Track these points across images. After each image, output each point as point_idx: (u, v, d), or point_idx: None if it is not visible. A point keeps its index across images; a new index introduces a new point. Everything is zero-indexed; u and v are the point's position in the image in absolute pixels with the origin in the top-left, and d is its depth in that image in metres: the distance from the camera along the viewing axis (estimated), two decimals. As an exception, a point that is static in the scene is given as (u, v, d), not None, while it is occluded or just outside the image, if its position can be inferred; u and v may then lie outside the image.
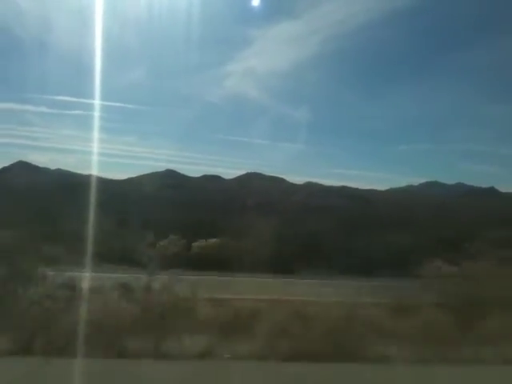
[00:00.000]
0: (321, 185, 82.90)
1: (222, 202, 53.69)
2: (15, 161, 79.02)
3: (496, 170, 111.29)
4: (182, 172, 75.12)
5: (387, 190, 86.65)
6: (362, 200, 65.87)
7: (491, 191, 75.36)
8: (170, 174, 71.54)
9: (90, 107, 68.36)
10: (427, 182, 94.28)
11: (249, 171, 77.60)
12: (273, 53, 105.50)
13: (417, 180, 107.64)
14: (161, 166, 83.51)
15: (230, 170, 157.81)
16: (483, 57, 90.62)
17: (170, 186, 64.44)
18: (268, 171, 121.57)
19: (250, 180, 72.26)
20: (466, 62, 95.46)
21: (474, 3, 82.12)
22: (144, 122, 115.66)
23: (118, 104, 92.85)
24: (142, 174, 71.55)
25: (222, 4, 72.78)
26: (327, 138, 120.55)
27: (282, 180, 75.88)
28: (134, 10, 45.44)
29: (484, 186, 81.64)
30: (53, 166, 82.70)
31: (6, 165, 78.63)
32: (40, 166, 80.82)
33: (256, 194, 58.50)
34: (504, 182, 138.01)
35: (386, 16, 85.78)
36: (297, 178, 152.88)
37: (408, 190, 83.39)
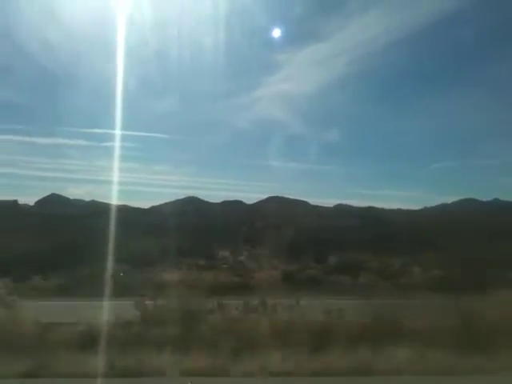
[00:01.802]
0: (347, 205, 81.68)
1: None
2: (49, 193, 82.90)
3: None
4: (203, 198, 75.74)
5: (421, 210, 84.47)
6: (376, 220, 63.75)
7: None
8: (191, 201, 72.18)
9: (123, 138, 70.73)
10: (461, 200, 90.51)
11: (271, 195, 77.19)
12: (300, 76, 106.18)
13: (450, 198, 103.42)
14: (184, 193, 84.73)
15: (252, 194, 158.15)
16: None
17: (190, 212, 64.96)
18: (293, 194, 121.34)
19: (271, 204, 71.70)
20: (497, 75, 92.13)
21: (503, 15, 79.53)
22: (174, 151, 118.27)
23: (149, 134, 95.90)
24: (164, 202, 72.61)
25: (248, 30, 74.42)
26: (356, 158, 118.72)
27: (305, 203, 74.92)
28: (161, 40, 47.06)
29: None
30: (87, 198, 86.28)
31: (40, 198, 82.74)
32: (71, 197, 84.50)
33: (273, 217, 57.86)
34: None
35: (412, 34, 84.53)
36: (324, 201, 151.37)
37: (438, 209, 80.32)
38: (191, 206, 69.83)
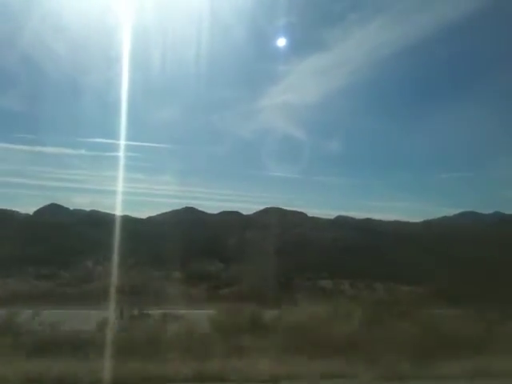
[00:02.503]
0: (345, 217, 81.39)
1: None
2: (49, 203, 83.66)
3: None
4: (200, 208, 75.92)
5: (421, 222, 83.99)
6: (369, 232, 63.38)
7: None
8: (188, 211, 72.39)
9: (126, 148, 71.38)
10: (462, 213, 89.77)
11: (268, 206, 77.14)
12: (303, 86, 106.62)
13: (453, 211, 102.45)
14: (182, 204, 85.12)
15: (251, 205, 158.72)
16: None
17: (186, 222, 65.11)
18: (292, 205, 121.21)
19: (269, 215, 71.61)
20: (506, 88, 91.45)
21: (509, 30, 79.35)
22: (176, 161, 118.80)
23: (154, 144, 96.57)
24: (161, 212, 72.99)
25: (251, 40, 75.24)
26: (358, 169, 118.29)
27: (303, 214, 74.75)
28: (165, 50, 47.78)
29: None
30: (89, 208, 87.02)
31: (39, 207, 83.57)
32: (71, 207, 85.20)
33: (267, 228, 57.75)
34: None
35: (415, 44, 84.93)
36: (324, 212, 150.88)
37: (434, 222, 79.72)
38: (188, 217, 70.06)
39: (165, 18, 45.82)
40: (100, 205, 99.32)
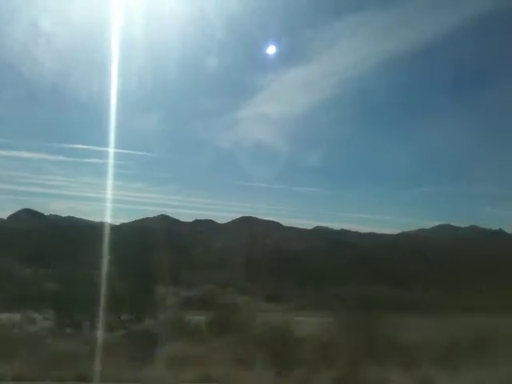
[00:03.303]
0: (322, 227, 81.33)
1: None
2: (21, 208, 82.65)
3: (506, 212, 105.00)
4: (174, 216, 75.47)
5: (397, 234, 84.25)
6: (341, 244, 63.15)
7: (500, 233, 70.96)
8: (162, 219, 71.79)
9: (104, 155, 70.84)
10: (439, 226, 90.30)
11: (244, 215, 76.86)
12: (286, 97, 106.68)
13: (429, 223, 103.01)
14: (156, 212, 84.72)
15: (227, 213, 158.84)
16: (500, 100, 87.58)
17: (157, 230, 64.39)
18: (268, 215, 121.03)
19: (243, 224, 71.24)
20: (484, 105, 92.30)
21: (493, 48, 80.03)
22: (155, 169, 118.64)
23: (130, 151, 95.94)
24: (134, 219, 72.40)
25: (234, 51, 75.13)
26: (339, 182, 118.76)
27: (277, 224, 74.55)
28: (147, 58, 47.34)
29: (494, 228, 77.34)
30: (65, 214, 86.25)
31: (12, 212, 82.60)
32: (45, 213, 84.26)
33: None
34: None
35: (399, 58, 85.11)
36: (301, 222, 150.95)
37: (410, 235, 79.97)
38: (160, 225, 69.37)
39: (149, 28, 45.50)
40: (77, 211, 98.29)
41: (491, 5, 68.50)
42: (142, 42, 44.15)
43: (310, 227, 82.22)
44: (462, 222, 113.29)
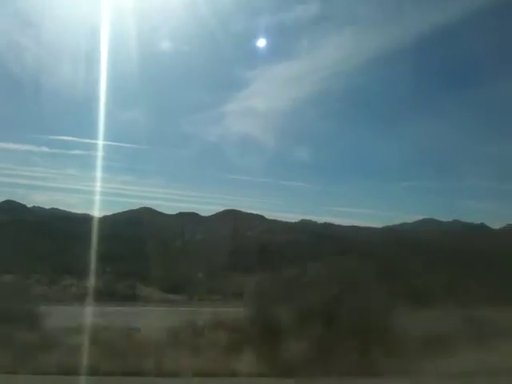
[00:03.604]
0: (306, 220, 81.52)
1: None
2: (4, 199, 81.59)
3: (488, 206, 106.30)
4: (157, 209, 75.17)
5: (381, 228, 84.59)
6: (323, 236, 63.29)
7: (482, 227, 71.61)
8: (145, 211, 71.46)
9: (90, 147, 70.16)
10: (422, 220, 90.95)
11: (228, 208, 76.79)
12: (272, 92, 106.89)
13: (413, 217, 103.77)
14: (141, 203, 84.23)
15: (211, 206, 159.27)
16: (485, 96, 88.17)
17: (137, 223, 64.04)
18: (252, 208, 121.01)
19: (226, 217, 71.11)
20: (470, 100, 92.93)
21: (478, 44, 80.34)
22: (142, 161, 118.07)
23: (117, 143, 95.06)
24: (117, 212, 71.98)
25: (221, 45, 74.80)
26: (326, 176, 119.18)
27: (261, 217, 74.46)
28: (135, 52, 46.91)
29: (476, 222, 78.07)
30: (49, 206, 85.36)
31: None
32: (28, 205, 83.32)
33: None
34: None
35: (387, 54, 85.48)
36: (285, 215, 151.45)
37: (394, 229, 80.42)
38: (144, 217, 69.01)
39: (137, 21, 44.93)
40: (61, 203, 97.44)
41: (480, 1, 68.81)
42: (131, 35, 43.61)
43: (294, 220, 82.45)
44: (444, 216, 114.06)
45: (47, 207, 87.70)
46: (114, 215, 70.25)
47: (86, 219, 68.70)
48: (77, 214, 75.15)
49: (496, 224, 77.63)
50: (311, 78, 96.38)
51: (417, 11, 69.88)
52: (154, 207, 76.38)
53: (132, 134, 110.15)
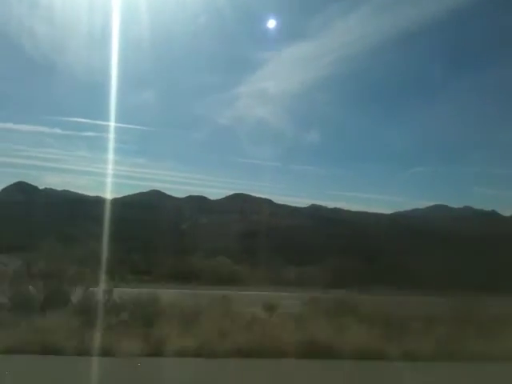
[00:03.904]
0: (316, 205, 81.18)
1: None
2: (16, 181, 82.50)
3: (499, 192, 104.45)
4: (166, 192, 75.40)
5: (391, 214, 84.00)
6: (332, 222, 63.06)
7: (493, 214, 70.67)
8: (155, 194, 71.79)
9: (102, 128, 70.19)
10: (434, 206, 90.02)
11: (237, 192, 76.74)
12: (284, 74, 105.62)
13: (424, 203, 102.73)
14: (151, 186, 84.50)
15: (221, 190, 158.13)
16: (498, 81, 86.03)
17: (149, 205, 64.46)
18: (262, 192, 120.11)
19: (235, 201, 71.17)
20: (481, 86, 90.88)
21: (489, 27, 78.14)
22: (153, 144, 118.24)
23: (129, 125, 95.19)
24: (128, 194, 72.40)
25: (234, 28, 73.98)
26: (335, 160, 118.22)
27: (270, 201, 74.30)
28: (147, 34, 46.66)
29: (487, 209, 77.03)
30: (61, 188, 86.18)
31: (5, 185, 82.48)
32: (40, 187, 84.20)
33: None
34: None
35: (399, 37, 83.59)
36: (298, 200, 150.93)
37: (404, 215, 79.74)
38: (153, 199, 69.41)
39: (149, 6, 44.34)
40: (72, 185, 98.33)
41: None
42: (142, 17, 43.15)
43: (303, 205, 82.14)
44: (455, 202, 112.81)
45: (59, 189, 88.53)
46: (123, 197, 70.70)
47: (98, 201, 69.60)
48: (88, 196, 75.86)
49: (507, 211, 76.67)
50: (323, 60, 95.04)
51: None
52: (163, 190, 76.62)
53: (144, 116, 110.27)
